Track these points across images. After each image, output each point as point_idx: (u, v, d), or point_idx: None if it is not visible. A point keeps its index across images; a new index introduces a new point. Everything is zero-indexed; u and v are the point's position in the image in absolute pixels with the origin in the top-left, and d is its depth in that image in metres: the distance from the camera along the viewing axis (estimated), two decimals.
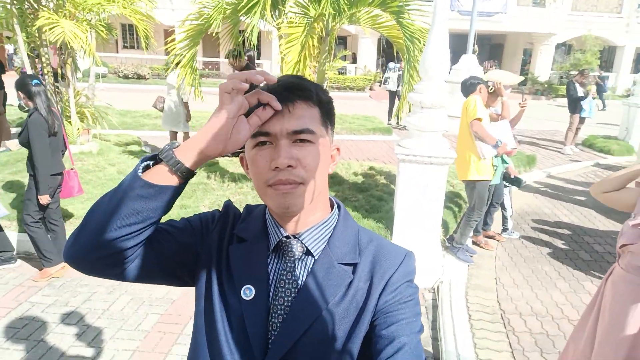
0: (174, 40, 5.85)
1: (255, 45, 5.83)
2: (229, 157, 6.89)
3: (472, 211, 4.43)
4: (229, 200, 1.09)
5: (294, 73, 4.38)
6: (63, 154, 4.06)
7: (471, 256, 4.59)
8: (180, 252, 0.95)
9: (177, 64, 5.86)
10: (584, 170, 8.73)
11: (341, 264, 0.91)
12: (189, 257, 0.96)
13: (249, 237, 0.96)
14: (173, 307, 3.58)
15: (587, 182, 7.68)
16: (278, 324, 0.89)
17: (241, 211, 1.04)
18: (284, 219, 0.93)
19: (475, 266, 4.50)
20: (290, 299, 0.89)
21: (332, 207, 1.00)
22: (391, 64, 12.58)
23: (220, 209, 1.04)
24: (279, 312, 0.89)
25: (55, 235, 4.09)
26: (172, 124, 7.15)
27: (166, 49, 5.96)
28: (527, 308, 3.81)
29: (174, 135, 7.31)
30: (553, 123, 14.09)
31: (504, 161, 4.56)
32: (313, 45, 5.16)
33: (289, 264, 0.92)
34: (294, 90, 0.88)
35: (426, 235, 4.09)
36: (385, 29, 5.63)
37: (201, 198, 5.46)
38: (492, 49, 27.00)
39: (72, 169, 4.16)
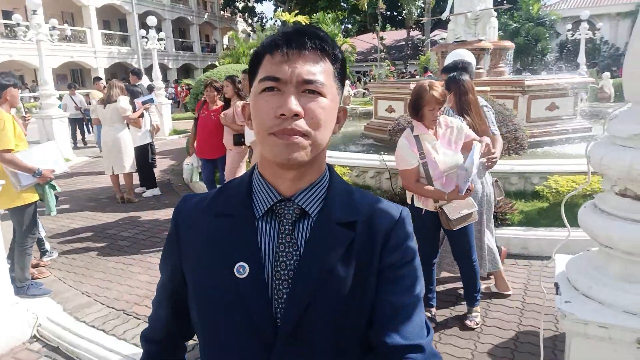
0: None
1: None
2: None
3: (25, 239, 3.95)
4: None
5: None
6: None
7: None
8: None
9: None
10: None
11: (340, 223, 0.87)
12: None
13: (233, 211, 0.89)
14: None
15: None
16: (284, 292, 0.84)
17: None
18: (278, 179, 0.88)
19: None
20: (292, 262, 0.85)
21: None
22: None
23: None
24: (282, 278, 0.85)
25: None
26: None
27: None
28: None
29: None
30: None
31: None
32: None
33: (286, 227, 0.86)
34: (310, 36, 0.83)
35: None
36: None
37: None
38: None
39: None
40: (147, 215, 6.40)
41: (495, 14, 9.29)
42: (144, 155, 7.15)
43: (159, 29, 15.21)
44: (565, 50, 28.26)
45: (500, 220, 4.94)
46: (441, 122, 3.10)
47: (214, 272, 0.87)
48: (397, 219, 0.91)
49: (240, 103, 5.47)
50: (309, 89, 0.81)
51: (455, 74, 3.64)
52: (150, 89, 10.78)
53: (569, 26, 19.48)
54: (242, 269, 0.84)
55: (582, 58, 16.45)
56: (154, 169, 7.63)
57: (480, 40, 8.80)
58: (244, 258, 0.85)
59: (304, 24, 26.42)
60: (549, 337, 3.20)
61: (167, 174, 9.04)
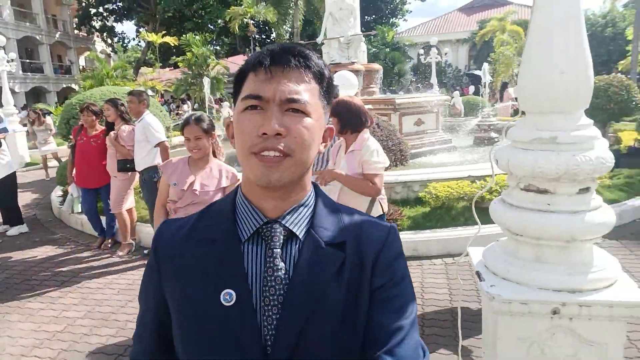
0: None
1: None
2: None
3: None
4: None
5: None
6: None
7: None
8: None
9: None
10: None
11: (329, 244, 0.85)
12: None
13: (217, 235, 0.86)
14: None
15: None
16: (274, 318, 0.81)
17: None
18: (263, 200, 0.85)
19: None
20: (281, 287, 0.81)
21: None
22: None
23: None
24: (271, 304, 0.81)
25: None
26: None
27: None
28: None
29: None
30: None
31: None
32: None
33: (274, 251, 0.83)
34: (294, 54, 0.81)
35: None
36: None
37: None
38: None
39: None
40: (17, 256, 5.62)
41: (364, 39, 10.09)
42: (7, 189, 6.29)
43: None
44: (418, 72, 31.56)
45: None
46: None
47: (199, 300, 0.83)
48: (386, 238, 0.88)
49: (126, 127, 5.15)
50: (292, 108, 0.79)
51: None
52: None
53: (421, 51, 21.91)
54: (228, 297, 0.81)
55: (434, 79, 18.57)
56: None
57: (353, 63, 9.45)
58: (231, 285, 0.82)
59: (172, 44, 25.65)
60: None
61: (32, 209, 8.02)
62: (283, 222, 0.85)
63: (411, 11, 34.58)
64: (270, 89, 0.79)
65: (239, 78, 0.85)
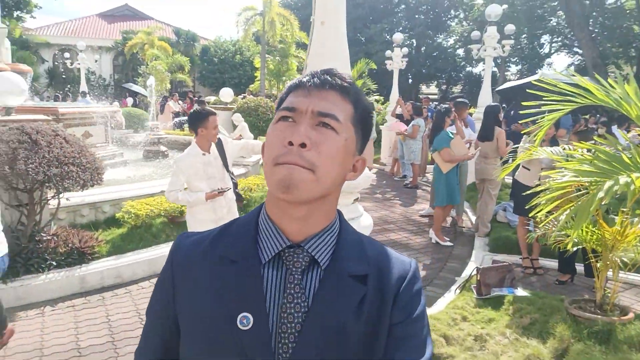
0: None
1: None
2: None
3: None
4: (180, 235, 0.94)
5: None
6: None
7: None
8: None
9: None
10: None
11: (352, 275, 0.83)
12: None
13: (238, 257, 0.83)
14: None
15: None
16: (290, 346, 0.78)
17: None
18: (286, 222, 0.82)
19: None
20: (300, 315, 0.79)
21: None
22: None
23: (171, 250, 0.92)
24: (288, 332, 0.79)
25: None
26: None
27: None
28: None
29: None
30: None
31: None
32: None
33: (295, 277, 0.81)
34: (332, 76, 0.83)
35: None
36: None
37: None
38: None
39: None
40: None
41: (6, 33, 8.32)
42: None
43: None
44: (55, 77, 28.07)
45: (90, 255, 4.71)
46: None
47: (214, 322, 0.80)
48: (408, 273, 0.88)
49: None
50: (323, 122, 0.79)
51: None
52: None
53: (67, 54, 19.64)
54: (245, 320, 0.78)
55: (84, 87, 17.03)
56: None
57: None
58: (248, 308, 0.79)
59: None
60: None
61: None
62: (306, 247, 0.82)
63: (41, 7, 30.13)
64: (304, 103, 0.80)
65: (280, 100, 0.86)
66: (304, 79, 0.84)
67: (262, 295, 0.80)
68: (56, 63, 28.97)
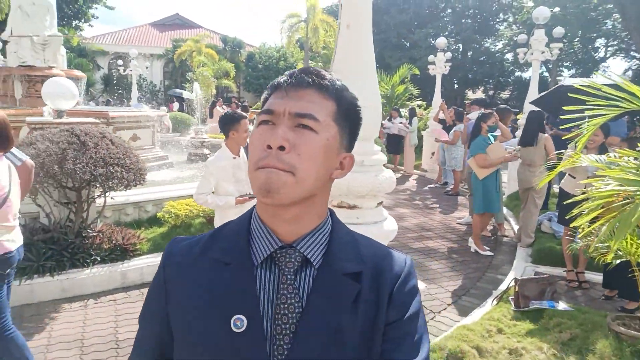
0: None
1: None
2: None
3: None
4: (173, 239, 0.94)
5: None
6: None
7: None
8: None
9: None
10: None
11: (345, 274, 0.82)
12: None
13: (231, 259, 0.83)
14: None
15: None
16: (285, 347, 0.78)
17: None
18: (276, 223, 0.82)
19: None
20: (294, 315, 0.79)
21: None
22: None
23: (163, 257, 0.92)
24: (283, 333, 0.78)
25: None
26: None
27: None
28: None
29: None
30: None
31: None
32: None
33: (288, 277, 0.80)
34: (310, 75, 0.82)
35: None
36: None
37: None
38: None
39: None
40: None
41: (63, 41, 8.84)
42: None
43: None
44: (109, 83, 29.50)
45: (132, 252, 4.90)
46: None
47: (207, 325, 0.79)
48: (404, 271, 0.87)
49: None
50: (301, 124, 0.78)
51: None
52: None
53: (120, 61, 20.64)
54: (239, 323, 0.78)
55: (135, 92, 17.81)
56: None
57: (51, 68, 8.17)
58: (242, 311, 0.79)
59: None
60: None
61: None
62: (298, 247, 0.82)
63: (97, 17, 31.88)
64: (281, 105, 0.79)
65: (263, 102, 0.86)
66: (281, 80, 0.83)
67: (256, 297, 0.80)
68: (111, 70, 30.45)
